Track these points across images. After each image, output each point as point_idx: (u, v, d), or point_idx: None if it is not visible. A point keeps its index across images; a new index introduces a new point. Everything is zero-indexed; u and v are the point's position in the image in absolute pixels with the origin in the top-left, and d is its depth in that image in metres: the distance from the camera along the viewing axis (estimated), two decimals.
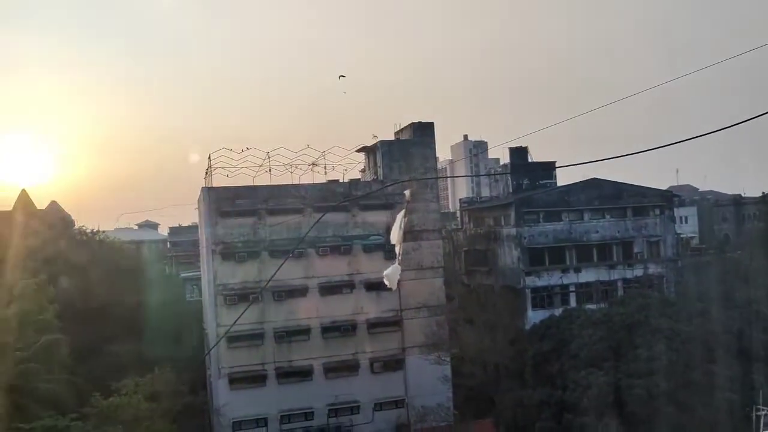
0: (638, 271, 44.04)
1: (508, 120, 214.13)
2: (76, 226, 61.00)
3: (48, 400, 31.49)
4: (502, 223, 45.33)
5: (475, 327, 37.74)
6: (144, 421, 31.28)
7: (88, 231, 60.81)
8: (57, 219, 59.25)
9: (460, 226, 56.42)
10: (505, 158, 54.39)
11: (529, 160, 50.06)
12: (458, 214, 63.66)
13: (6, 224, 56.36)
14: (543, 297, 42.33)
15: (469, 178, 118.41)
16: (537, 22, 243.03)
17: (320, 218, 33.92)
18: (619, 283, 43.37)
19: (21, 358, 32.35)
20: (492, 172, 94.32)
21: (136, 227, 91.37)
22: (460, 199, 73.26)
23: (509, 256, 43.62)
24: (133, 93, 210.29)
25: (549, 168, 49.15)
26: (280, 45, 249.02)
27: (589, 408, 31.06)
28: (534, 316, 40.97)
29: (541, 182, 49.11)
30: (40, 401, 31.14)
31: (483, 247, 46.30)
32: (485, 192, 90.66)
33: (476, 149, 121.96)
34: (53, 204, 63.00)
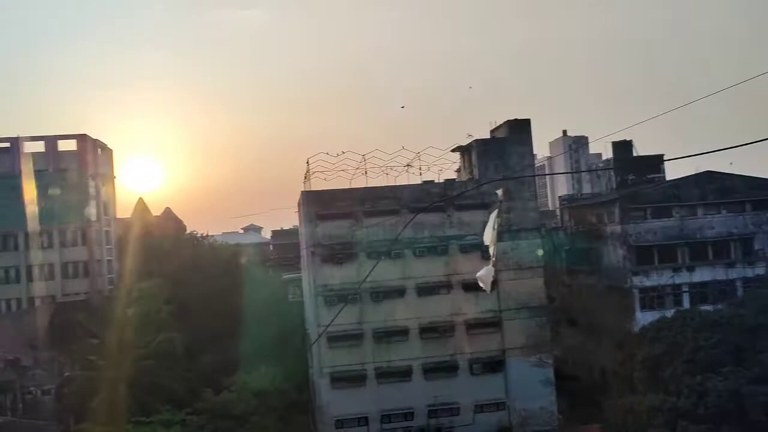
0: (760, 270, 40.92)
1: (609, 113, 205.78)
2: (187, 231, 64.52)
3: (165, 395, 33.53)
4: (606, 221, 43.55)
5: (579, 328, 36.53)
6: (252, 416, 32.59)
7: (199, 235, 64.21)
8: (171, 224, 62.89)
9: (560, 225, 54.80)
10: (607, 153, 52.23)
11: (634, 154, 47.83)
12: (558, 212, 61.88)
13: (126, 230, 60.62)
14: (652, 297, 40.19)
15: (570, 174, 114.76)
16: (636, 11, 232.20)
17: (413, 218, 33.98)
18: (738, 283, 40.45)
19: (141, 355, 34.66)
20: (593, 167, 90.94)
21: (241, 231, 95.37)
22: (559, 197, 71.19)
23: (614, 254, 41.86)
24: (238, 101, 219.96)
25: (656, 161, 46.65)
26: (373, 48, 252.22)
27: (707, 416, 29.18)
28: (643, 318, 38.96)
29: (647, 177, 46.71)
30: (158, 396, 33.21)
31: (585, 246, 44.70)
32: (587, 188, 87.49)
33: (576, 145, 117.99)
34: (167, 210, 66.83)
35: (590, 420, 35.22)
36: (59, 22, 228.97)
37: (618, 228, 41.37)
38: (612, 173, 48.58)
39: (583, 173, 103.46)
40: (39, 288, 58.22)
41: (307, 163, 36.50)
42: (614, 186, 47.69)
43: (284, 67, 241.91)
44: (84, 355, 35.99)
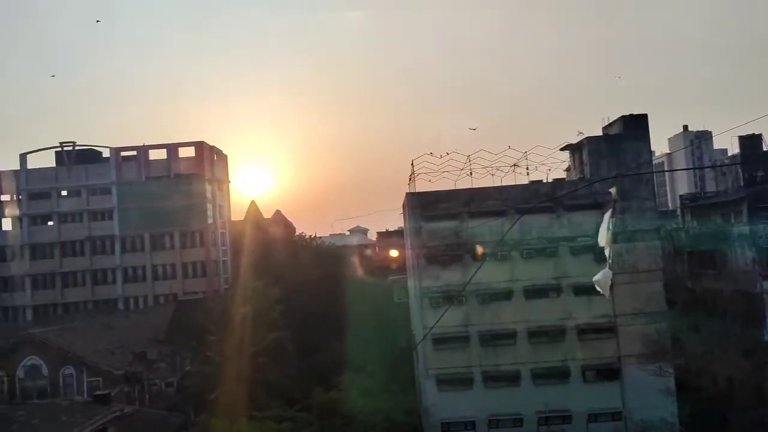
0: None
1: (735, 106, 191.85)
2: (296, 233, 66.66)
3: (276, 392, 34.68)
4: (732, 221, 40.46)
5: (703, 336, 34.08)
6: (360, 416, 32.99)
7: (307, 237, 66.14)
8: (281, 226, 65.26)
9: (681, 225, 51.54)
10: (733, 148, 48.65)
11: (764, 149, 44.16)
12: (679, 211, 58.28)
13: (240, 232, 63.51)
14: None
15: (692, 172, 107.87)
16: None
17: (518, 219, 33.05)
18: None
19: (253, 352, 36.06)
20: (717, 164, 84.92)
21: (347, 232, 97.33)
22: (680, 196, 67.05)
23: (741, 257, 38.76)
24: (344, 104, 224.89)
25: None
26: (477, 46, 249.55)
27: None
28: None
29: None
30: (270, 392, 34.40)
31: (709, 248, 41.72)
32: (710, 187, 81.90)
33: (698, 140, 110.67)
34: (278, 213, 69.43)
35: None
36: (175, 37, 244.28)
37: (746, 229, 38.30)
38: (739, 169, 45.10)
39: (706, 170, 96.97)
40: (163, 286, 62.28)
41: (412, 164, 36.52)
42: (741, 183, 44.23)
43: (389, 68, 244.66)
44: (202, 351, 37.92)
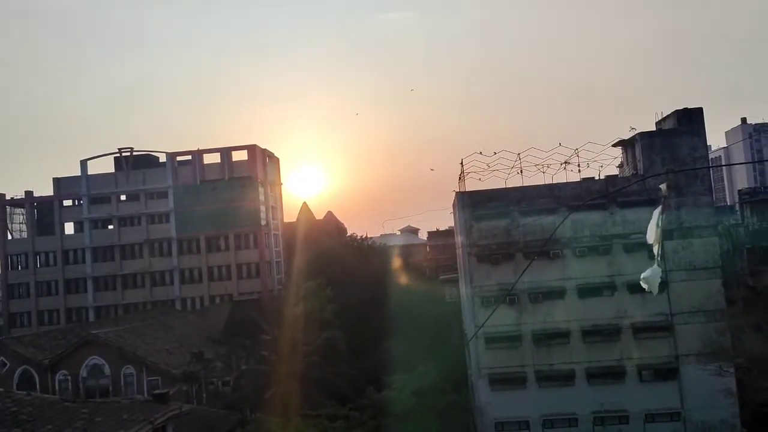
0: None
1: None
2: (348, 233, 67.26)
3: (329, 391, 35.16)
4: None
5: (764, 335, 32.94)
6: (412, 415, 33.16)
7: (359, 237, 66.67)
8: (333, 227, 66.02)
9: (740, 221, 49.87)
10: None
11: None
12: (738, 207, 56.39)
13: (292, 233, 64.55)
14: None
15: (751, 166, 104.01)
16: None
17: (567, 216, 32.68)
18: None
19: (306, 351, 36.66)
20: None
21: (398, 232, 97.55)
22: (739, 191, 64.83)
23: None
24: (395, 103, 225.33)
25: None
26: (524, 43, 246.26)
27: None
28: None
29: None
30: (323, 391, 34.90)
31: None
32: None
33: (757, 133, 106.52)
34: (329, 214, 70.19)
35: None
36: (228, 43, 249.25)
37: None
38: None
39: (766, 163, 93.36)
40: (218, 287, 63.81)
41: (461, 163, 36.49)
42: None
43: (441, 67, 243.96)
44: (257, 350, 38.75)
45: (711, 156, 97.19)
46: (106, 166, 68.61)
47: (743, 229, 46.22)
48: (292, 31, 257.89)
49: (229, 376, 39.65)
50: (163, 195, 65.79)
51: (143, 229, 65.56)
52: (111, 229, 66.58)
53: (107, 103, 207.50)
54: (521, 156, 35.42)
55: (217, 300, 62.41)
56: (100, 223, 66.88)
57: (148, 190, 65.96)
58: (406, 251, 75.90)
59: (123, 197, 67.05)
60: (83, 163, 67.21)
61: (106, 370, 39.22)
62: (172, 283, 64.79)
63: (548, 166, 35.62)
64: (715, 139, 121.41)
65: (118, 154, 67.15)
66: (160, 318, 50.05)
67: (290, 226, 68.33)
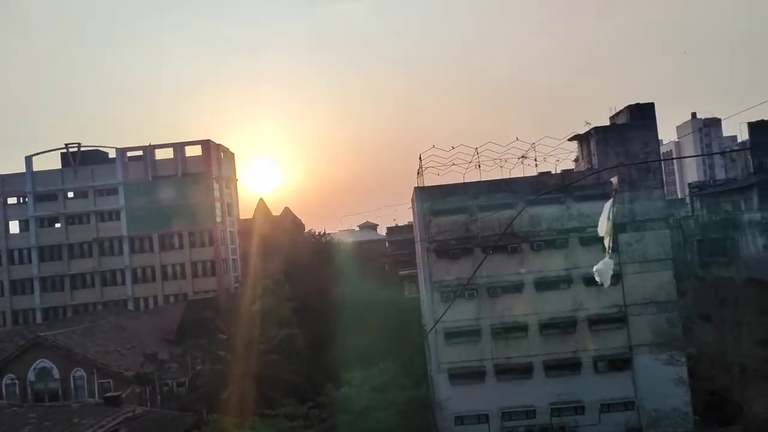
0: None
1: (742, 94, 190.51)
2: (306, 230, 66.62)
3: (288, 389, 34.66)
4: (743, 208, 40.19)
5: (714, 324, 33.85)
6: (372, 412, 32.92)
7: (316, 233, 66.11)
8: (290, 223, 65.23)
9: (690, 214, 51.26)
10: (743, 135, 48.23)
11: None
12: (688, 200, 57.96)
13: (249, 230, 63.54)
14: None
15: (701, 160, 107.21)
16: None
17: (523, 209, 33.02)
18: None
19: (264, 349, 36.05)
20: (726, 150, 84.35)
21: (357, 228, 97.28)
22: (689, 184, 66.67)
23: (753, 244, 38.52)
24: (349, 98, 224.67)
25: None
26: (483, 38, 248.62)
27: None
28: None
29: None
30: (282, 389, 34.37)
31: (720, 236, 41.46)
32: (720, 175, 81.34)
33: (707, 128, 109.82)
34: (286, 210, 69.35)
35: (728, 422, 32.59)
36: (177, 34, 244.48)
37: (757, 216, 38.05)
38: (748, 156, 44.77)
39: (715, 158, 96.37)
40: (172, 286, 62.39)
41: (420, 158, 36.41)
42: (751, 170, 43.90)
43: (396, 63, 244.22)
44: (213, 350, 37.94)
45: (663, 150, 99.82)
46: (53, 162, 66.31)
47: (693, 221, 47.49)
48: (246, 25, 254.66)
49: (185, 376, 38.71)
50: (113, 192, 63.85)
51: (92, 227, 63.52)
52: (58, 228, 64.33)
53: (53, 98, 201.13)
54: (479, 150, 35.57)
55: (172, 299, 61.00)
56: (47, 222, 64.57)
57: (97, 186, 63.91)
58: (365, 247, 75.69)
59: (70, 194, 64.81)
60: (28, 160, 64.74)
61: (55, 373, 37.82)
62: (123, 282, 63.01)
63: (506, 161, 35.90)
64: (667, 133, 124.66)
65: (65, 150, 64.88)
66: (111, 319, 48.57)
67: (247, 223, 67.29)
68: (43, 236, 64.02)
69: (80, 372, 37.77)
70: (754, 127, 43.73)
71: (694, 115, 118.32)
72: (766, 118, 43.40)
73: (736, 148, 58.61)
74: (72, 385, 37.78)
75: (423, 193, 36.73)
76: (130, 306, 61.81)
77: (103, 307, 60.20)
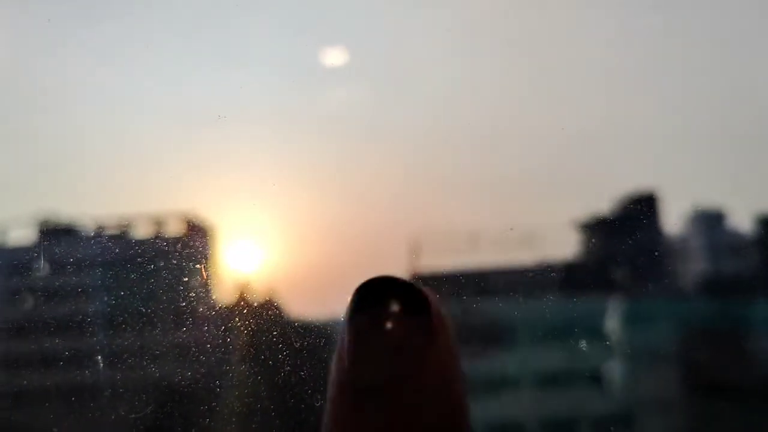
0: None
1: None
2: (291, 317, 63.75)
3: None
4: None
5: None
6: None
7: (300, 325, 63.11)
8: (273, 310, 62.38)
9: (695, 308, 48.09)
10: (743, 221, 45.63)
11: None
12: (693, 294, 54.88)
13: (229, 315, 60.59)
14: None
15: (707, 252, 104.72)
16: None
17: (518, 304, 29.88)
18: None
19: None
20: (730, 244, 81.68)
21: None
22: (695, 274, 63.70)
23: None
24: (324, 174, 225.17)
25: None
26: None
27: None
28: None
29: None
30: None
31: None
32: (726, 266, 78.42)
33: (713, 221, 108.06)
34: (270, 292, 66.79)
35: None
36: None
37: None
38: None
39: (722, 248, 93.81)
40: None
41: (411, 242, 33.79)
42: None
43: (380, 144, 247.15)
44: None
45: (670, 241, 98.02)
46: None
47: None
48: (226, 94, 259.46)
49: None
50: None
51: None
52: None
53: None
54: (474, 234, 32.99)
55: None
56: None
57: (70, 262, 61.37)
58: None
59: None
60: None
61: None
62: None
63: (502, 247, 33.25)
64: (671, 225, 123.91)
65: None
66: None
67: (228, 305, 64.48)
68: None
69: None
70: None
71: (699, 207, 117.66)
72: None
73: (745, 240, 56.22)
74: None
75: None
76: None
77: None
